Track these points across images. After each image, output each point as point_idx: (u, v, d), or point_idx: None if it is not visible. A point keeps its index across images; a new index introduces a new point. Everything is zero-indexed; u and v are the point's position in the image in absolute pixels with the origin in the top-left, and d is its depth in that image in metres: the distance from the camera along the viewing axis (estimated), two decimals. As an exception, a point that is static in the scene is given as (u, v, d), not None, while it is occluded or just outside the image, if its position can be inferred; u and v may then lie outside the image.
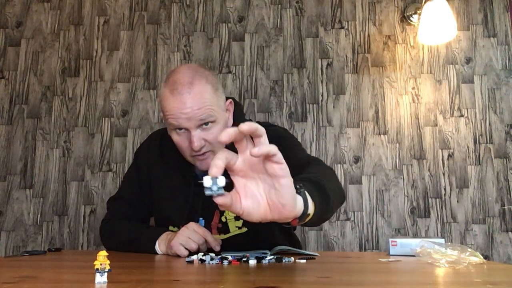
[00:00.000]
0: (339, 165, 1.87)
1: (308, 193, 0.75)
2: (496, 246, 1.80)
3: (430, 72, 1.94)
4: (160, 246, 1.16)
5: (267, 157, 0.63)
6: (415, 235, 1.82)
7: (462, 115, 1.91)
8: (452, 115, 1.91)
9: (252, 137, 0.63)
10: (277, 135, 1.11)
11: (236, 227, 1.21)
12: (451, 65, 1.95)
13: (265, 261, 0.98)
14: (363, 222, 1.83)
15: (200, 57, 1.94)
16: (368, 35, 1.97)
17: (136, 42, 1.95)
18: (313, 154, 1.81)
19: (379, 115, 1.91)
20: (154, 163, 1.32)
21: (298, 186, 0.73)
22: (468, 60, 1.95)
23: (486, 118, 1.90)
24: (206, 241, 1.11)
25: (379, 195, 1.85)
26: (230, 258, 0.96)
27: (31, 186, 1.84)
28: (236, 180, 0.68)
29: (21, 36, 1.95)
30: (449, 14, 1.78)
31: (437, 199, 1.84)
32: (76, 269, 0.95)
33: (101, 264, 0.65)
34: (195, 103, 1.07)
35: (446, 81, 1.94)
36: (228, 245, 1.17)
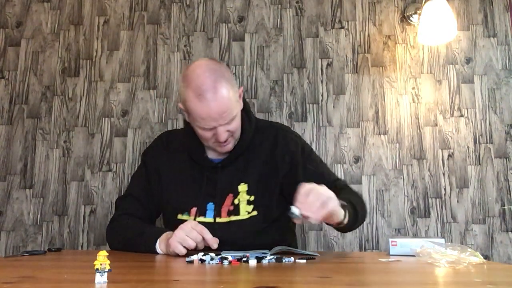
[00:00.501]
0: (339, 165, 1.87)
1: (348, 212, 1.12)
2: (496, 246, 1.80)
3: (430, 72, 1.94)
4: (160, 246, 1.17)
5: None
6: (415, 235, 1.82)
7: (462, 115, 1.91)
8: (452, 115, 1.91)
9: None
10: (302, 145, 1.38)
11: (246, 211, 1.28)
12: (451, 65, 1.95)
13: (265, 261, 0.98)
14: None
15: (200, 57, 1.94)
16: (368, 35, 1.97)
17: (136, 42, 1.95)
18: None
19: (379, 115, 1.91)
20: (163, 159, 1.38)
21: (344, 204, 1.11)
22: (468, 60, 1.95)
23: (486, 118, 1.90)
24: (204, 239, 1.12)
25: (379, 195, 1.85)
26: (230, 258, 0.96)
27: (31, 186, 1.84)
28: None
29: (21, 36, 1.95)
30: (449, 14, 1.78)
31: (437, 199, 1.84)
32: (76, 269, 0.95)
33: (101, 264, 0.65)
34: (221, 108, 1.18)
35: (446, 81, 1.94)
36: (240, 226, 1.26)
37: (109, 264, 0.65)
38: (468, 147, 1.88)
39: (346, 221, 1.12)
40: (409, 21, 1.97)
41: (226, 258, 0.96)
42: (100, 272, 0.65)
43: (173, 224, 1.20)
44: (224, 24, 1.97)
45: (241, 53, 1.95)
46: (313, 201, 0.97)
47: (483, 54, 1.95)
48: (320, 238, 1.82)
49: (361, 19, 1.99)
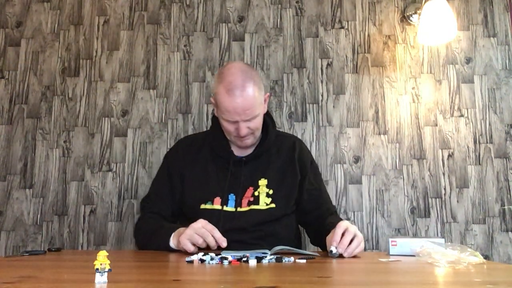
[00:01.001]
0: (339, 165, 1.87)
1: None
2: (496, 246, 1.80)
3: (430, 72, 1.94)
4: (173, 241, 1.24)
5: None
6: (415, 235, 1.81)
7: (462, 115, 1.91)
8: (452, 115, 1.91)
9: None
10: (311, 159, 1.54)
11: (265, 203, 1.39)
12: (451, 65, 1.95)
13: (265, 261, 0.98)
14: (363, 222, 1.83)
15: (200, 57, 1.94)
16: (368, 35, 1.97)
17: (136, 42, 1.95)
18: (313, 154, 1.80)
19: (379, 115, 1.91)
20: (185, 157, 1.48)
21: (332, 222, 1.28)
22: (468, 60, 1.95)
23: (486, 118, 1.90)
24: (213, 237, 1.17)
25: (379, 195, 1.85)
26: (230, 258, 0.96)
27: (31, 186, 1.84)
28: None
29: (21, 36, 1.95)
30: (449, 14, 1.78)
31: (437, 199, 1.84)
32: (76, 269, 0.95)
33: (101, 264, 0.65)
34: (245, 105, 1.31)
35: (446, 81, 1.94)
36: (259, 214, 1.36)
37: (109, 264, 0.65)
38: (468, 147, 1.88)
39: None
40: (409, 21, 1.97)
41: (226, 258, 0.96)
42: (100, 272, 0.65)
43: (195, 215, 1.31)
44: (224, 24, 1.97)
45: (241, 53, 1.95)
46: (348, 241, 1.12)
47: (483, 54, 1.95)
48: (320, 238, 1.82)
49: (361, 19, 1.98)
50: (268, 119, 1.49)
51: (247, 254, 1.00)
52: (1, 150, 1.87)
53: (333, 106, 1.91)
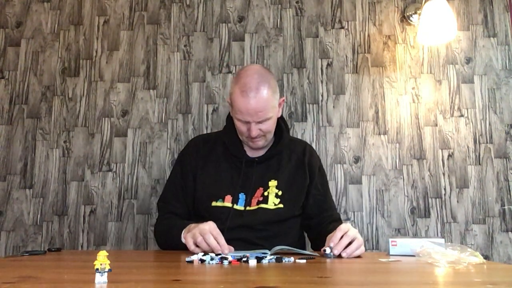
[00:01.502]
0: (339, 165, 1.87)
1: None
2: (496, 246, 1.80)
3: (430, 72, 1.94)
4: (183, 235, 1.25)
5: None
6: (415, 235, 1.82)
7: (462, 115, 1.91)
8: (452, 115, 1.91)
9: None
10: (320, 164, 1.57)
11: (273, 203, 1.41)
12: (451, 65, 1.95)
13: (265, 261, 0.98)
14: (363, 222, 1.83)
15: (200, 57, 1.94)
16: (368, 35, 1.97)
17: (136, 42, 1.95)
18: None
19: (379, 115, 1.91)
20: (198, 155, 1.51)
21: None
22: (468, 60, 1.95)
23: (486, 118, 1.90)
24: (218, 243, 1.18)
25: (379, 195, 1.85)
26: (230, 258, 0.96)
27: (31, 186, 1.84)
28: None
29: (21, 36, 1.95)
30: (449, 14, 1.78)
31: (437, 199, 1.84)
32: (76, 269, 0.95)
33: (101, 264, 0.65)
34: (258, 106, 1.34)
35: (446, 81, 1.94)
36: (267, 213, 1.38)
37: (109, 264, 0.65)
38: (468, 147, 1.88)
39: None
40: (409, 21, 1.97)
41: (226, 258, 0.96)
42: (100, 272, 0.65)
43: (206, 211, 1.39)
44: (224, 24, 1.97)
45: (241, 53, 1.95)
46: (346, 243, 1.14)
47: (483, 54, 1.95)
48: (320, 238, 1.82)
49: (361, 19, 1.98)
50: (282, 123, 1.53)
51: (247, 254, 1.00)
52: (1, 150, 1.87)
53: (333, 106, 1.91)
